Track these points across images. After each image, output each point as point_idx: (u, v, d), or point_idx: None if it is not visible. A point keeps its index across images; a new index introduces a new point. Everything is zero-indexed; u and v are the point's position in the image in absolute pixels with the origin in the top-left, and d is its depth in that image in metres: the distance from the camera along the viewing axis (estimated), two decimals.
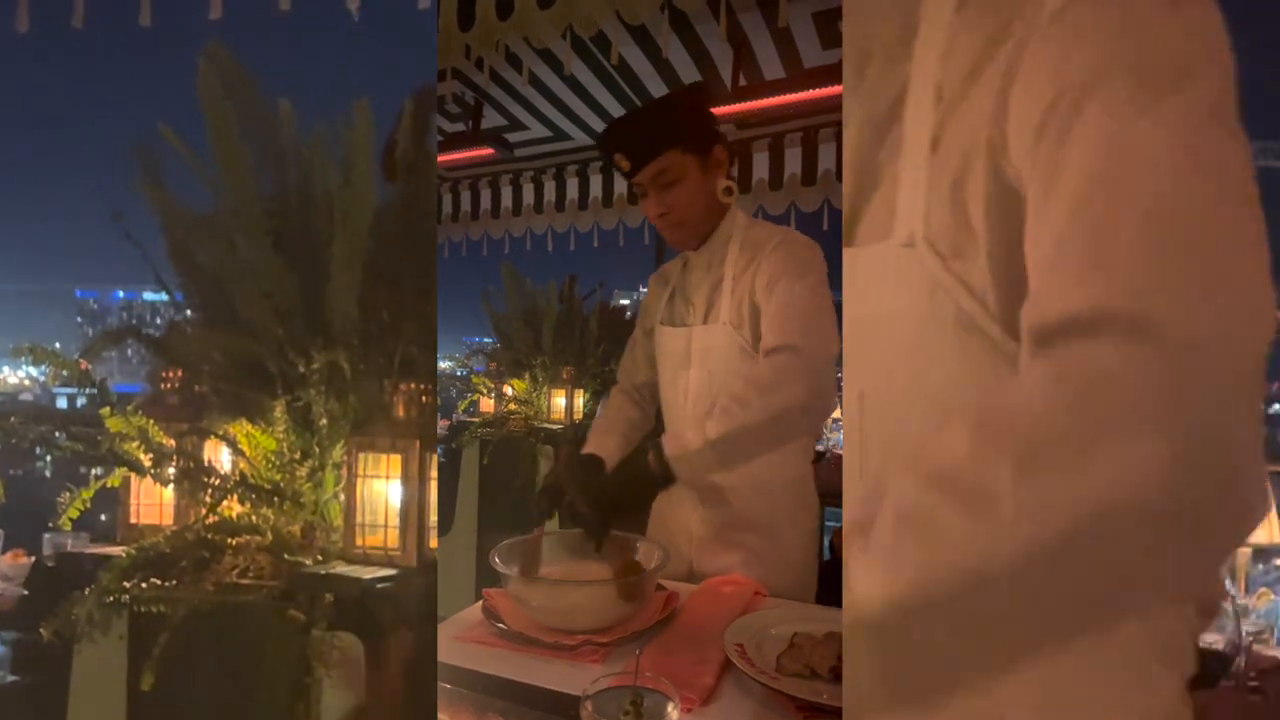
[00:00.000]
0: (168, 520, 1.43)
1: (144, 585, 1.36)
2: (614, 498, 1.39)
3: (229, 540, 1.38)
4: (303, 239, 1.39)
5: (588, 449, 1.64)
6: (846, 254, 0.78)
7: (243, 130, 1.37)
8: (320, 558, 1.42)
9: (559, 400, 3.90)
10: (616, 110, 4.14)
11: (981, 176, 0.67)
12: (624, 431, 1.75)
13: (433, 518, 1.38)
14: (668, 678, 0.88)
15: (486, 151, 3.96)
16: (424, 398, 1.37)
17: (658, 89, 3.98)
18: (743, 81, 3.87)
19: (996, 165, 0.66)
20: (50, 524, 1.45)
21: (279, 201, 1.40)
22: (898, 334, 0.73)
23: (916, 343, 0.71)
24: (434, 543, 1.38)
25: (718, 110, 3.73)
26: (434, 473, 1.37)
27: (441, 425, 4.39)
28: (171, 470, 1.36)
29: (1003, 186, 0.66)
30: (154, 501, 1.43)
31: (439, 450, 4.20)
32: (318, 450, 1.41)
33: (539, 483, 1.57)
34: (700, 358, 1.59)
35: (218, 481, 1.37)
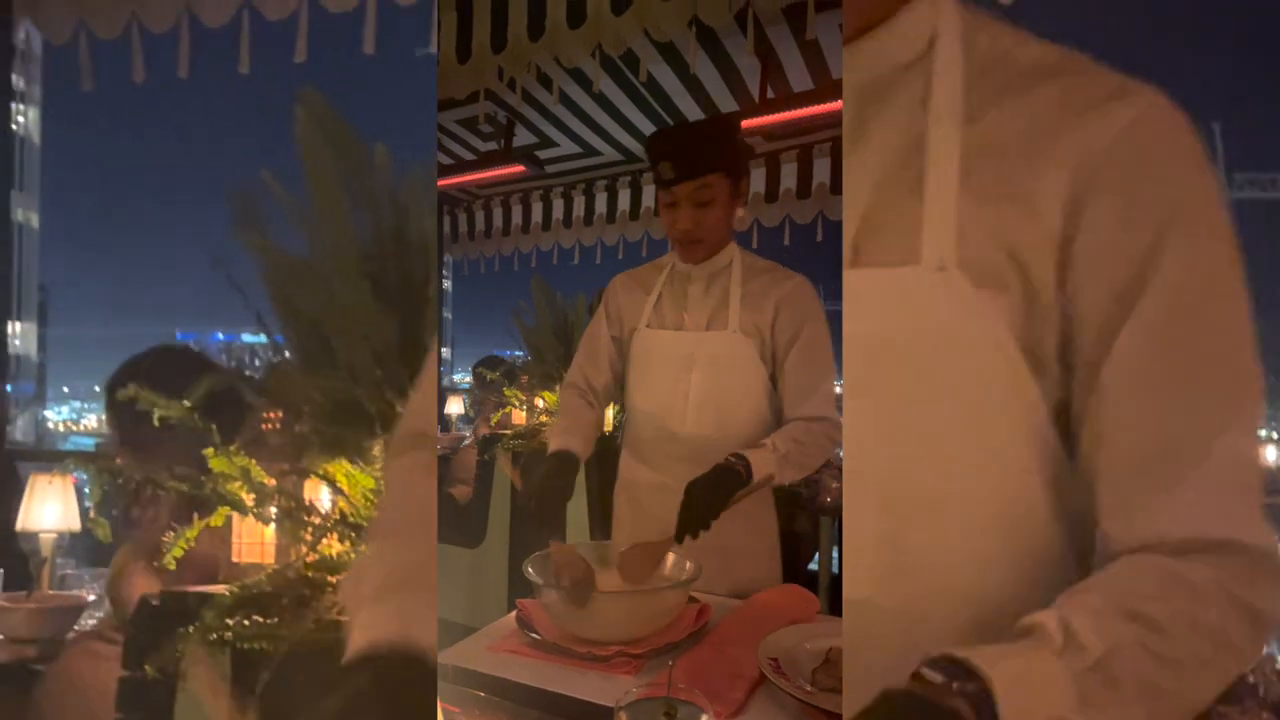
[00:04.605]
0: (269, 559, 1.45)
1: (246, 623, 1.38)
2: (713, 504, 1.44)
3: (329, 578, 1.40)
4: (399, 281, 1.41)
5: (557, 447, 1.71)
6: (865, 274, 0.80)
7: (339, 175, 1.40)
8: None
9: None
10: (645, 126, 4.17)
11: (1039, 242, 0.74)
12: (587, 434, 1.82)
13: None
14: (699, 690, 0.87)
15: (518, 169, 3.99)
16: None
17: (686, 105, 4.01)
18: (770, 94, 3.90)
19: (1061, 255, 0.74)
20: (155, 563, 1.47)
21: (375, 245, 1.42)
22: (919, 354, 0.76)
23: (939, 363, 0.75)
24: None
25: (744, 124, 3.76)
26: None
27: (474, 437, 4.40)
28: (273, 509, 1.39)
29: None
30: (256, 540, 1.45)
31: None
32: None
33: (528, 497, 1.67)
34: (708, 362, 1.72)
35: (318, 520, 1.39)
